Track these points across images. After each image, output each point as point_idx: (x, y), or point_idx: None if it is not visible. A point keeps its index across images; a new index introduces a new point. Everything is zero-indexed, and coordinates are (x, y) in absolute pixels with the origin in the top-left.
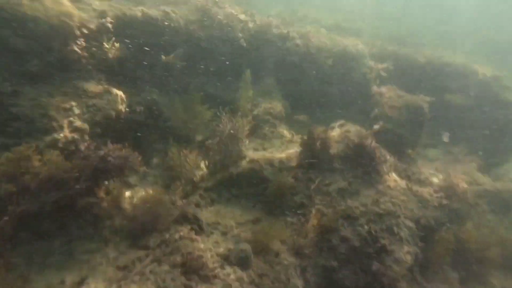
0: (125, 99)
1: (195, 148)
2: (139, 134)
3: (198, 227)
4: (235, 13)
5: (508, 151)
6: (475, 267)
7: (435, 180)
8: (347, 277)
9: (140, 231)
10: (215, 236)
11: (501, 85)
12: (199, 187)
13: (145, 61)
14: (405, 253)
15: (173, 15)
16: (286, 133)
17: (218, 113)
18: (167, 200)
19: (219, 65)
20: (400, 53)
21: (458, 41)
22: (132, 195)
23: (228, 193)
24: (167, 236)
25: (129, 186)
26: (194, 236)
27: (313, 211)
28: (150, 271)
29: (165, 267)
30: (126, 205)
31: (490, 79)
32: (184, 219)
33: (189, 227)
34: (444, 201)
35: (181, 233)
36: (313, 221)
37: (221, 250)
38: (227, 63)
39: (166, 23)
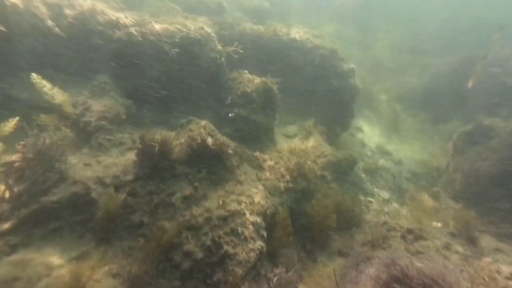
0: None
1: None
2: None
3: None
4: None
5: (348, 117)
6: (318, 238)
7: (284, 163)
8: None
9: None
10: None
11: (338, 58)
12: None
13: None
14: (249, 251)
15: None
16: (126, 139)
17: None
18: None
19: (23, 62)
20: (248, 32)
21: None
22: None
23: (43, 229)
24: None
25: None
26: None
27: (153, 229)
28: None
29: None
30: None
31: (330, 52)
32: None
33: None
34: (290, 184)
35: None
36: (152, 241)
37: None
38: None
39: None
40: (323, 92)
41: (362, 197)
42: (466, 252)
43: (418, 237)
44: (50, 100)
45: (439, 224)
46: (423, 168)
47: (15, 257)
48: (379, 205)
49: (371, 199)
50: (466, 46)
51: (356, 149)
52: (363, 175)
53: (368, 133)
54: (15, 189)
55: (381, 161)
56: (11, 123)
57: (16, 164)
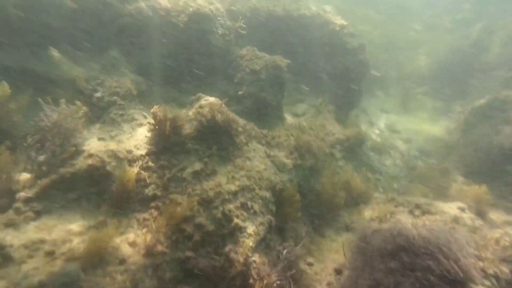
0: None
1: (16, 147)
2: None
3: (3, 258)
4: None
5: (357, 95)
6: (326, 214)
7: (292, 140)
8: (202, 263)
9: None
10: (35, 260)
11: (348, 33)
12: (18, 198)
13: None
14: (258, 225)
15: None
16: (138, 115)
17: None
18: None
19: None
20: (258, 7)
21: None
22: None
23: (63, 198)
24: None
25: None
26: None
27: (167, 201)
28: None
29: None
30: None
31: (340, 27)
32: None
33: None
34: (299, 161)
35: None
36: (167, 212)
37: (38, 279)
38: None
39: None
40: (332, 69)
41: (370, 175)
42: (475, 224)
43: (426, 212)
44: (64, 74)
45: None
46: (433, 146)
47: (39, 222)
48: (387, 183)
49: (379, 177)
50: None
51: (365, 127)
52: (371, 153)
53: (377, 111)
54: (36, 160)
55: (390, 139)
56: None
57: (35, 136)
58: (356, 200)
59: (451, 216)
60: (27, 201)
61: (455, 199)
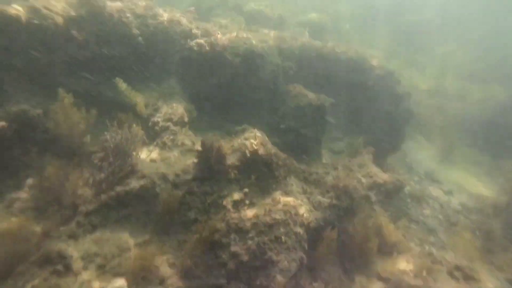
0: None
1: (81, 164)
2: None
3: (64, 267)
4: (132, 6)
5: (399, 140)
6: (358, 259)
7: (330, 178)
8: None
9: None
10: (89, 272)
11: (394, 80)
12: (80, 211)
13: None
14: (291, 260)
15: (45, 11)
16: (187, 141)
17: (107, 121)
18: (31, 233)
19: (112, 65)
20: (307, 47)
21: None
22: None
23: (116, 214)
24: (19, 284)
25: None
26: (53, 282)
27: (205, 227)
28: None
29: None
30: None
31: (386, 73)
32: (46, 259)
33: (50, 269)
34: (334, 201)
35: (36, 281)
36: (203, 237)
37: None
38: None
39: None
40: (375, 113)
41: (406, 223)
42: None
43: (468, 277)
44: (127, 100)
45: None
46: (477, 203)
47: (95, 235)
48: (423, 234)
49: (414, 226)
50: None
51: (403, 172)
52: (409, 200)
53: (419, 157)
54: (97, 178)
55: (430, 189)
56: (93, 114)
57: (99, 154)
58: (391, 248)
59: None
60: (86, 214)
61: (501, 268)
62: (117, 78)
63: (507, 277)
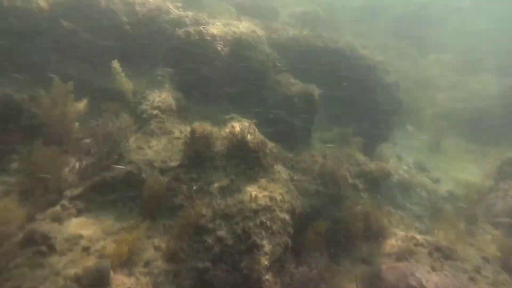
0: None
1: (69, 149)
2: None
3: (48, 248)
4: None
5: (388, 129)
6: (343, 243)
7: (317, 167)
8: (219, 275)
9: None
10: (72, 254)
11: (384, 70)
12: (65, 195)
13: None
14: (275, 244)
15: None
16: (175, 129)
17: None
18: (15, 215)
19: (98, 52)
20: (296, 38)
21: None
22: None
23: (102, 199)
24: (2, 263)
25: None
26: (36, 261)
27: (191, 212)
28: None
29: None
30: None
31: (375, 63)
32: (30, 240)
33: (34, 250)
34: (321, 188)
35: (19, 260)
36: (188, 221)
37: (74, 271)
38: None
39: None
40: (364, 102)
41: (392, 210)
42: (499, 278)
43: (447, 256)
44: (116, 87)
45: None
46: (463, 190)
47: (80, 219)
48: (409, 221)
49: (401, 213)
50: None
51: (392, 162)
52: (396, 189)
53: (407, 147)
54: (84, 162)
55: (417, 177)
56: (83, 103)
57: (87, 141)
58: (376, 234)
59: (473, 265)
60: (71, 198)
61: (480, 248)
62: (114, 61)
63: (484, 256)
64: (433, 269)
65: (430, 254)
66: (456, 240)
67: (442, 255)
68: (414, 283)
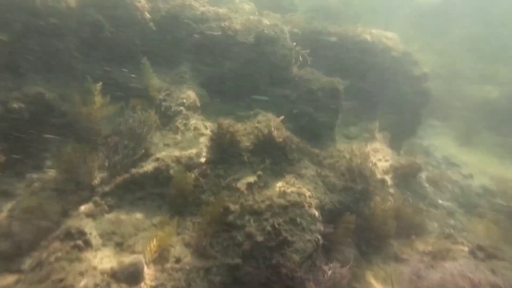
0: None
1: (98, 147)
2: (18, 135)
3: (84, 243)
4: None
5: (416, 123)
6: (374, 241)
7: (344, 162)
8: (250, 272)
9: (15, 250)
10: (107, 250)
11: (411, 61)
12: (97, 192)
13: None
14: (306, 241)
15: None
16: (199, 125)
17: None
18: (52, 211)
19: (123, 50)
20: (319, 31)
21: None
22: (13, 207)
23: (131, 196)
24: (44, 256)
25: (9, 196)
26: (74, 255)
27: (221, 209)
28: None
29: None
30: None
31: (402, 55)
32: (67, 235)
33: (71, 244)
34: (350, 184)
35: (59, 254)
36: (215, 216)
37: (110, 266)
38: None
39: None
40: (391, 96)
41: (424, 207)
42: None
43: (491, 256)
44: (143, 85)
45: None
46: (500, 186)
47: (112, 215)
48: (443, 218)
49: (434, 210)
50: None
51: (421, 157)
52: (427, 185)
53: (435, 141)
54: (112, 160)
55: (449, 173)
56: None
57: (114, 138)
58: (408, 231)
59: None
60: (103, 195)
61: None
62: (145, 58)
63: None
64: (480, 269)
65: (472, 253)
66: (499, 239)
67: (486, 254)
68: (464, 283)
